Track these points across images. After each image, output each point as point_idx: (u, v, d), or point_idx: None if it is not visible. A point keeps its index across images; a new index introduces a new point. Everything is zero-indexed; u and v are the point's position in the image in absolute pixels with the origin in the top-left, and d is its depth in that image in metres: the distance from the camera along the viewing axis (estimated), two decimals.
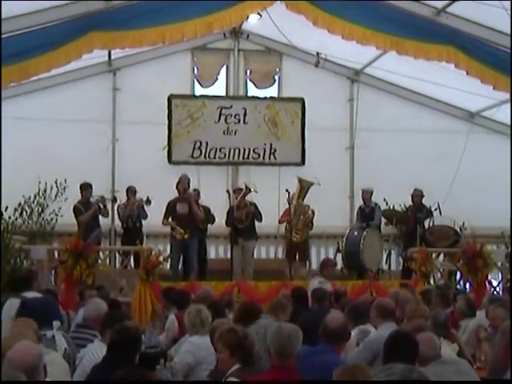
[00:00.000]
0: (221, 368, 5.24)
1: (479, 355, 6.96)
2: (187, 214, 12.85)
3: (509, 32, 10.76)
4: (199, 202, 13.54)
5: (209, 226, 13.88)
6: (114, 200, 13.79)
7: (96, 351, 5.60)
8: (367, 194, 13.98)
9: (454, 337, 6.97)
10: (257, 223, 13.57)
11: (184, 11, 11.59)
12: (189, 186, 13.17)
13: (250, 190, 13.56)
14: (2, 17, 10.32)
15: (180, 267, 12.98)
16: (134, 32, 11.48)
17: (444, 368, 5.22)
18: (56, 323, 5.95)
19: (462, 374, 5.23)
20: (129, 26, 11.45)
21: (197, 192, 13.67)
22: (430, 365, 5.22)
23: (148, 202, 13.36)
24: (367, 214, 13.86)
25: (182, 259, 12.95)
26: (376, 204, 13.94)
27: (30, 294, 7.04)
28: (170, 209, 12.96)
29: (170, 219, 12.95)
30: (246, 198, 13.56)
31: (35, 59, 11.21)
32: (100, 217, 13.34)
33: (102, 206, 13.32)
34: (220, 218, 13.82)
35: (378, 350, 5.84)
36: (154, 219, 13.50)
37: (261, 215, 13.50)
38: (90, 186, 13.21)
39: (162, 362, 5.51)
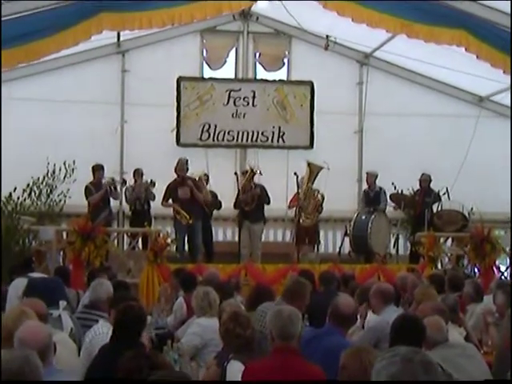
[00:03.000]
0: (226, 350, 5.27)
1: (486, 340, 6.97)
2: (189, 199, 12.81)
3: None
4: (207, 185, 13.52)
5: (215, 211, 13.89)
6: (124, 183, 13.79)
7: (102, 331, 5.61)
8: (371, 178, 13.94)
9: (461, 321, 6.97)
10: (266, 206, 13.56)
11: None
12: (187, 170, 13.07)
13: (254, 173, 13.48)
14: None
15: (186, 249, 12.99)
16: (143, 13, 11.44)
17: (450, 351, 5.22)
18: (62, 303, 5.98)
19: (469, 358, 5.23)
20: (138, 7, 11.40)
21: (206, 176, 13.65)
22: (437, 348, 5.22)
23: (152, 184, 13.38)
24: (372, 197, 13.81)
25: (187, 242, 12.96)
26: (381, 188, 13.88)
27: (37, 275, 7.06)
28: (170, 191, 12.91)
29: (169, 201, 12.95)
30: (253, 181, 13.50)
31: (44, 40, 11.19)
32: (111, 199, 13.38)
33: (112, 188, 13.34)
34: (228, 201, 13.82)
35: (381, 334, 5.87)
36: None
37: (268, 198, 13.44)
38: (102, 167, 13.25)
39: (169, 344, 5.52)
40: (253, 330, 5.30)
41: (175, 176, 13.07)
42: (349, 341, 5.68)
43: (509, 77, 12.41)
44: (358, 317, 6.45)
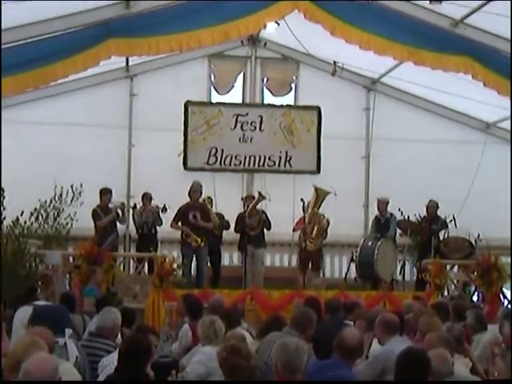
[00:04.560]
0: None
1: (492, 371, 6.92)
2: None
3: None
4: (212, 209, 13.57)
5: (224, 232, 13.92)
6: (134, 207, 13.85)
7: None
8: (383, 204, 13.96)
9: (466, 351, 6.94)
10: (268, 231, 13.72)
11: (201, 19, 11.60)
12: (201, 194, 13.18)
13: (263, 198, 13.58)
14: (22, 23, 10.44)
15: (192, 274, 13.00)
16: (151, 39, 11.50)
17: None
18: (68, 331, 5.98)
19: None
20: (146, 33, 11.47)
21: (210, 199, 13.70)
22: (443, 381, 5.21)
23: (164, 209, 13.41)
24: (382, 224, 13.84)
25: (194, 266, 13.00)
26: (392, 214, 13.93)
27: (42, 303, 7.06)
28: (181, 214, 12.99)
29: (179, 224, 12.98)
30: (257, 206, 13.58)
31: (53, 65, 11.25)
32: (118, 223, 13.42)
33: (120, 213, 13.40)
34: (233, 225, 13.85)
35: (386, 364, 5.85)
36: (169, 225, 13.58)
37: (270, 223, 13.61)
38: (110, 191, 13.33)
39: (174, 373, 5.51)
40: (255, 358, 5.27)
41: (182, 200, 13.14)
42: (355, 373, 5.65)
43: None
44: None
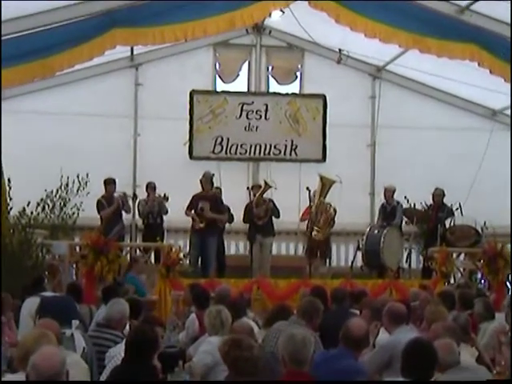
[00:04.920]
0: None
1: (499, 359, 6.92)
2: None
3: None
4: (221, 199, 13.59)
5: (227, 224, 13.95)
6: (135, 197, 13.88)
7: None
8: (389, 192, 13.96)
9: (473, 341, 6.95)
10: (276, 219, 13.66)
11: (206, 8, 11.56)
12: (212, 185, 13.20)
13: (269, 187, 13.60)
14: (27, 13, 10.43)
15: (199, 264, 13.03)
16: (156, 29, 11.47)
17: (462, 375, 5.22)
18: (75, 322, 6.02)
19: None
20: (151, 22, 11.45)
21: (219, 190, 13.71)
22: (449, 371, 5.23)
23: (165, 198, 13.44)
24: (389, 212, 13.83)
25: (200, 256, 13.02)
26: (398, 202, 13.93)
27: (49, 294, 7.10)
28: (192, 203, 13.03)
29: (192, 211, 13.03)
30: (264, 195, 13.58)
31: (58, 55, 11.27)
32: (123, 212, 13.45)
33: (124, 202, 13.43)
34: (241, 214, 13.85)
35: (393, 352, 5.87)
36: (175, 214, 13.61)
37: (278, 211, 13.61)
38: (114, 181, 13.34)
39: (181, 364, 5.52)
40: (257, 348, 5.27)
41: (188, 189, 13.29)
42: (361, 364, 5.67)
43: None
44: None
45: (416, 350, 4.87)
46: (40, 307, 6.23)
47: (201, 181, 13.12)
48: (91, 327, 7.22)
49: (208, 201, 13.00)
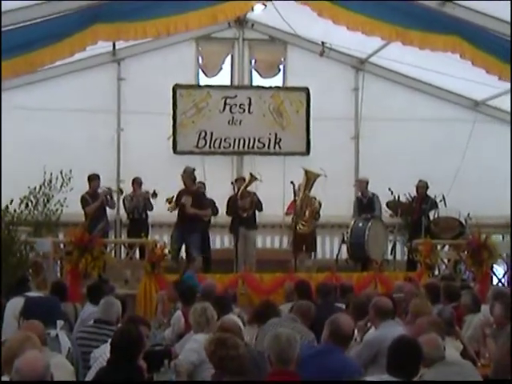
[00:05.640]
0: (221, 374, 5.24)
1: (484, 352, 6.97)
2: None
3: None
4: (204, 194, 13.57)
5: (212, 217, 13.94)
6: (121, 192, 13.84)
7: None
8: (363, 184, 13.93)
9: (457, 334, 6.98)
10: (259, 213, 13.73)
11: (189, 2, 11.54)
12: (194, 180, 13.15)
13: (255, 179, 13.57)
14: (8, 9, 10.33)
15: (182, 258, 13.01)
16: (138, 24, 11.43)
17: (448, 370, 5.26)
18: (60, 322, 6.01)
19: (465, 377, 5.26)
20: (133, 17, 11.40)
21: (202, 184, 13.68)
22: (434, 366, 5.27)
23: (154, 195, 13.43)
24: (365, 204, 13.75)
25: (184, 251, 13.01)
26: (373, 194, 13.84)
27: (33, 294, 7.07)
28: (178, 198, 13.00)
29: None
30: (248, 188, 13.59)
31: (40, 51, 11.20)
32: (107, 208, 13.40)
33: (108, 198, 13.38)
34: (224, 209, 13.84)
35: (378, 347, 5.91)
36: (159, 209, 13.57)
37: (261, 205, 13.63)
38: (98, 177, 13.28)
39: (166, 363, 5.51)
40: (243, 346, 5.27)
41: (172, 183, 13.23)
42: (349, 358, 5.70)
43: (504, 82, 12.42)
44: (356, 332, 6.50)
45: (401, 348, 4.89)
46: (24, 308, 6.19)
47: (182, 177, 13.07)
48: (90, 323, 7.13)
49: (191, 196, 12.96)
